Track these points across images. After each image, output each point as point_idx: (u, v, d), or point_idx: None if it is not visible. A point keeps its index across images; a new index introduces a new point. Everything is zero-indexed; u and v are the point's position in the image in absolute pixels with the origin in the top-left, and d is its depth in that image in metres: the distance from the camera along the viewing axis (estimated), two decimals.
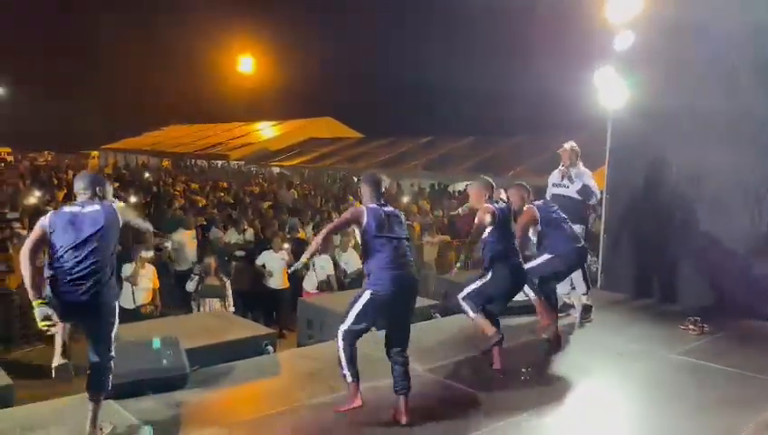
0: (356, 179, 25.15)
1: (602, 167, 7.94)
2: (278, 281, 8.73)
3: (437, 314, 6.35)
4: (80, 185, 3.56)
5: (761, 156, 6.38)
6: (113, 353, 3.53)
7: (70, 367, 3.43)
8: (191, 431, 3.69)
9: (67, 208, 3.44)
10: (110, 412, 3.79)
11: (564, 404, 4.25)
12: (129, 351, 4.18)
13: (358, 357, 3.87)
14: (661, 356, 5.23)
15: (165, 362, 4.18)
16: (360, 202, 4.14)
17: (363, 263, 3.95)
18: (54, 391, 4.20)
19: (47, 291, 3.29)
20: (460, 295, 4.62)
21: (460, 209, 4.86)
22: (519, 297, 5.08)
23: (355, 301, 3.82)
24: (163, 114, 52.71)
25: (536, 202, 5.43)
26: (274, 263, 8.68)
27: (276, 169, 30.38)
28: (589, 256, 6.27)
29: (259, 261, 8.79)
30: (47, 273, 3.33)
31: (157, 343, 4.22)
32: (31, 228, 8.93)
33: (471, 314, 4.57)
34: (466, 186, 20.67)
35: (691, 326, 5.78)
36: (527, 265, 5.12)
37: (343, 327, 3.81)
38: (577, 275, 5.89)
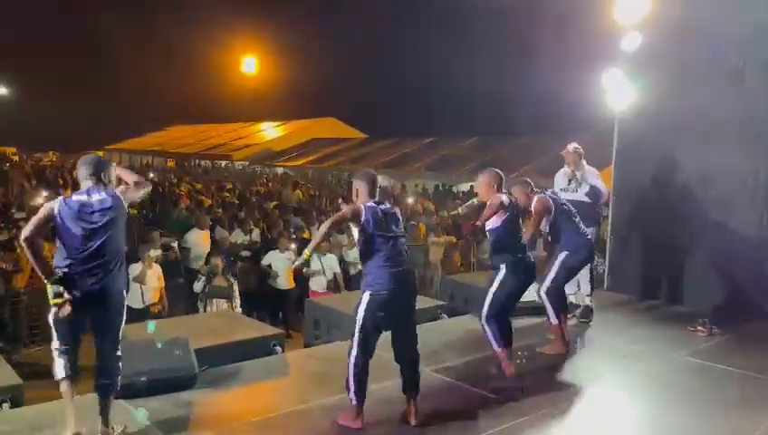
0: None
1: (608, 167, 7.93)
2: (284, 281, 8.75)
3: (444, 315, 6.34)
4: (84, 171, 3.49)
5: (767, 156, 6.37)
6: (120, 353, 3.51)
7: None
8: (200, 432, 3.70)
9: (75, 197, 3.38)
10: (119, 412, 3.80)
11: (572, 405, 4.25)
12: (138, 351, 4.19)
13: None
14: (670, 357, 5.21)
15: (173, 361, 4.18)
16: (348, 201, 4.08)
17: (361, 262, 3.90)
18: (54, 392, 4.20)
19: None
20: (482, 318, 4.46)
21: (460, 209, 4.76)
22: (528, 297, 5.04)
23: (357, 306, 3.76)
24: (167, 115, 52.76)
25: (546, 192, 5.33)
26: (280, 263, 8.69)
27: (280, 170, 30.41)
28: (596, 257, 6.26)
29: (265, 261, 8.80)
30: (59, 264, 3.31)
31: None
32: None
33: (495, 347, 4.43)
34: (471, 186, 20.72)
35: (699, 328, 5.77)
36: (548, 277, 5.12)
37: (355, 343, 3.71)
38: (584, 275, 5.88)
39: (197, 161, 35.99)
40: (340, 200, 14.49)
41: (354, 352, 3.70)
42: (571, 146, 6.22)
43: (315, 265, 8.35)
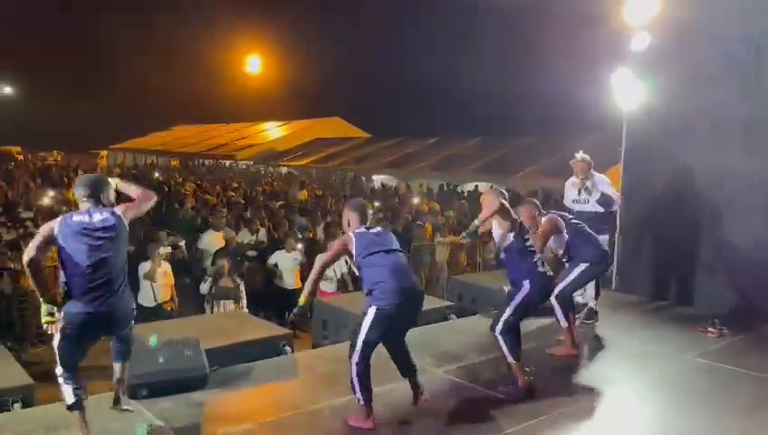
0: (364, 179, 25.20)
1: (614, 166, 7.91)
2: (290, 281, 8.72)
3: (453, 316, 6.32)
4: (81, 191, 3.42)
5: None
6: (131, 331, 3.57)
7: None
8: (213, 432, 3.70)
9: (76, 218, 3.31)
10: (130, 412, 3.80)
11: (584, 406, 4.23)
12: (149, 351, 4.18)
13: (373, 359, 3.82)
14: (680, 358, 5.20)
15: (185, 362, 4.18)
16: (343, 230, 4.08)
17: (365, 284, 3.80)
18: None
19: (66, 307, 3.23)
20: (497, 330, 4.34)
21: (463, 235, 4.59)
22: None
23: (361, 320, 3.74)
24: (170, 114, 52.94)
25: (553, 212, 5.32)
26: (287, 263, 8.68)
27: (284, 169, 30.44)
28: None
29: (271, 260, 8.78)
30: (63, 287, 3.26)
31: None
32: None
33: (510, 359, 4.35)
34: (476, 186, 20.62)
35: (710, 329, 5.74)
36: (564, 282, 5.10)
37: (357, 345, 3.70)
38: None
39: (201, 161, 36.03)
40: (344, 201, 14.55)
41: (356, 359, 3.70)
42: (579, 154, 6.17)
43: None
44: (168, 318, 6.59)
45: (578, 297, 6.16)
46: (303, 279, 8.74)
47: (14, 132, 48.10)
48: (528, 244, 4.41)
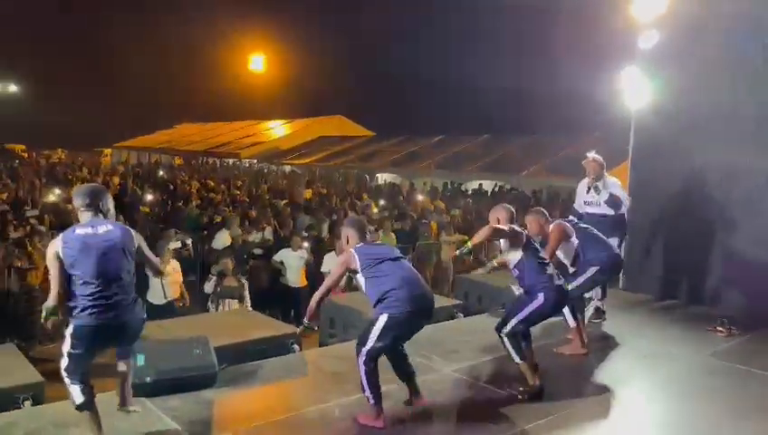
0: (368, 178, 25.20)
1: (620, 164, 7.88)
2: (296, 279, 8.73)
3: (460, 314, 6.32)
4: (80, 201, 3.35)
5: None
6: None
7: None
8: (223, 431, 3.70)
9: (79, 231, 3.25)
10: (140, 409, 3.80)
11: (594, 406, 4.22)
12: (159, 350, 4.19)
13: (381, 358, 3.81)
14: (690, 358, 5.18)
15: (194, 360, 4.18)
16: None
17: (372, 297, 3.76)
18: None
19: (74, 322, 3.20)
20: (504, 331, 4.28)
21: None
22: None
23: (371, 324, 3.71)
24: (174, 113, 53.05)
25: (558, 220, 5.28)
26: (293, 261, 8.68)
27: (288, 168, 30.45)
28: None
29: (277, 257, 8.79)
30: (71, 303, 3.21)
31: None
32: (51, 226, 8.98)
33: (516, 359, 4.30)
34: (480, 184, 20.57)
35: (719, 328, 5.72)
36: (573, 284, 5.03)
37: (365, 349, 3.68)
38: None
39: (205, 159, 36.06)
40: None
41: (363, 358, 3.69)
42: (591, 154, 6.11)
43: (334, 264, 8.32)
44: (178, 315, 6.59)
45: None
46: (309, 278, 8.80)
47: (18, 131, 48.33)
48: (540, 258, 4.33)
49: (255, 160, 33.53)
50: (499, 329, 4.31)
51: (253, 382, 4.39)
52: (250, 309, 7.32)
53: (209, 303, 7.27)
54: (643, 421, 4.11)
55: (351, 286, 8.40)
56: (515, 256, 4.32)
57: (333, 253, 8.50)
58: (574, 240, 5.20)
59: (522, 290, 4.39)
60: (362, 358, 3.68)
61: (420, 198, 15.65)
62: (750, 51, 6.49)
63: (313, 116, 39.73)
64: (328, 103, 43.93)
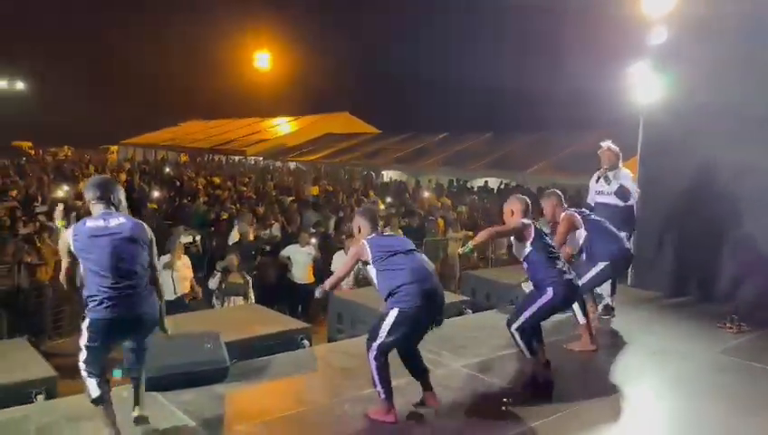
0: (374, 175, 25.21)
1: (626, 161, 7.85)
2: (303, 275, 8.76)
3: (469, 310, 6.32)
4: (92, 193, 3.35)
5: None
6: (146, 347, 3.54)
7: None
8: (235, 425, 3.71)
9: (90, 223, 3.25)
10: (153, 404, 3.83)
11: (602, 403, 4.21)
12: (170, 344, 4.19)
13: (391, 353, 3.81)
14: (699, 355, 5.17)
15: (206, 354, 4.20)
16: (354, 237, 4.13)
17: (383, 290, 3.76)
18: None
19: (90, 315, 3.19)
20: (514, 326, 4.27)
21: (463, 251, 4.51)
22: None
23: (381, 319, 3.70)
24: (180, 110, 53.14)
25: (571, 210, 5.26)
26: (300, 257, 8.71)
27: (293, 165, 30.48)
28: None
29: (284, 253, 8.81)
30: (87, 296, 3.21)
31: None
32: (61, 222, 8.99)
33: (527, 354, 4.30)
34: (486, 181, 20.53)
35: (728, 324, 5.71)
36: (582, 280, 4.97)
37: (375, 343, 3.68)
38: None
39: (211, 156, 36.13)
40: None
41: (373, 353, 3.68)
42: (606, 144, 6.10)
43: (343, 261, 8.34)
44: (188, 310, 6.61)
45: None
46: (316, 274, 8.82)
47: (25, 128, 48.51)
48: (550, 252, 4.31)
49: (261, 158, 33.57)
50: (510, 324, 4.31)
51: (263, 377, 4.40)
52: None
53: (214, 299, 7.29)
54: (652, 418, 4.10)
55: (359, 282, 8.44)
56: (524, 250, 4.33)
57: (342, 251, 8.52)
58: (581, 232, 5.18)
59: (533, 284, 4.38)
60: (373, 353, 3.68)
61: (426, 194, 15.65)
62: (760, 48, 6.46)
63: (319, 113, 39.75)
64: (333, 100, 43.94)
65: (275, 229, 10.00)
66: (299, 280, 8.76)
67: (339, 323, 6.32)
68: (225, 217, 11.01)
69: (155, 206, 12.61)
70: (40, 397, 3.92)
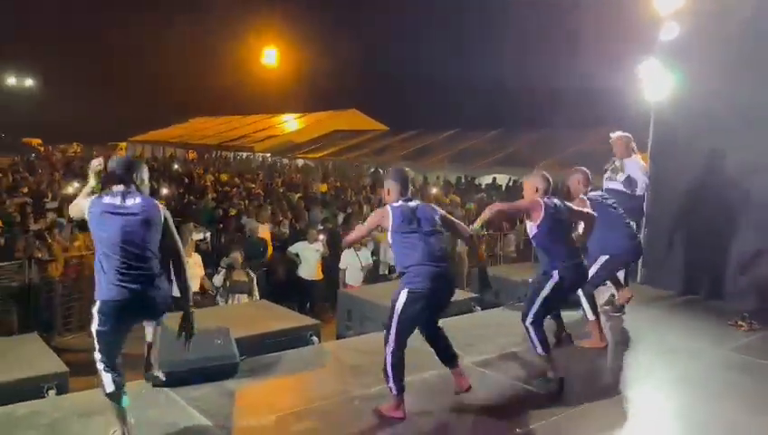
0: (382, 172, 25.19)
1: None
2: (312, 272, 8.77)
3: (477, 308, 6.31)
4: (115, 173, 3.36)
5: None
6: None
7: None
8: (245, 420, 3.73)
9: (107, 199, 3.25)
10: (164, 400, 3.85)
11: (615, 400, 4.20)
12: (181, 340, 4.21)
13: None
14: (711, 353, 5.14)
15: (216, 350, 4.21)
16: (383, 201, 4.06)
17: (397, 262, 3.83)
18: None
19: (99, 297, 3.18)
20: (528, 320, 4.25)
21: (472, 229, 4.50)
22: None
23: (393, 305, 3.71)
24: (188, 107, 53.24)
25: (591, 193, 5.19)
26: (309, 253, 8.72)
27: (300, 162, 30.51)
28: None
29: (293, 249, 8.82)
30: (97, 278, 3.20)
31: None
32: (70, 218, 9.04)
33: (539, 349, 4.28)
34: (494, 178, 20.31)
35: (740, 323, 5.67)
36: (591, 271, 4.92)
37: (390, 337, 3.69)
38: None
39: (219, 153, 36.22)
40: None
41: (391, 347, 3.69)
42: (616, 134, 6.12)
43: (352, 258, 8.37)
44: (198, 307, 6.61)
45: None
46: (325, 271, 8.83)
47: (35, 125, 48.82)
48: (557, 232, 4.28)
49: (269, 154, 33.61)
50: (524, 319, 4.31)
51: (273, 374, 4.42)
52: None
53: (218, 296, 7.24)
54: (661, 416, 4.08)
55: (368, 279, 8.45)
56: (532, 230, 4.33)
57: (351, 250, 8.52)
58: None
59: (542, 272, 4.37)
60: (390, 345, 3.68)
61: (434, 191, 15.62)
62: None
63: (327, 110, 39.74)
64: (342, 97, 43.89)
65: (284, 226, 10.01)
66: (307, 277, 8.77)
67: (348, 320, 6.32)
68: (233, 213, 11.05)
69: (164, 203, 12.65)
70: (51, 392, 3.95)
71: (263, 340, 4.83)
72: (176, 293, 3.43)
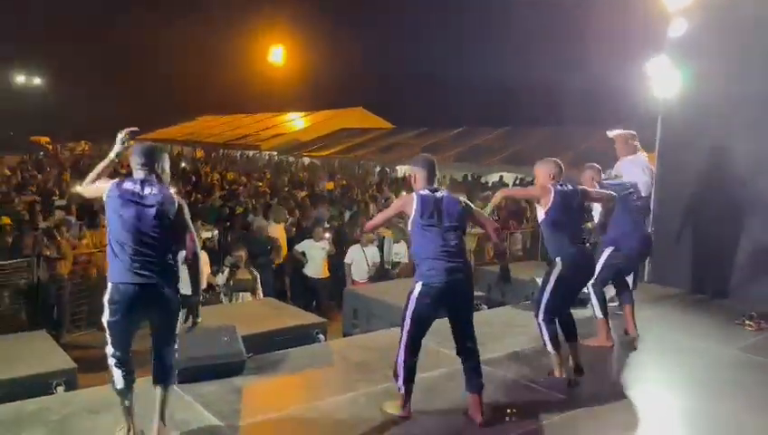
0: (389, 171, 25.17)
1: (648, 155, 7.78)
2: (318, 270, 8.78)
3: (484, 306, 6.31)
4: (136, 160, 3.33)
5: None
6: (177, 347, 3.42)
7: None
8: (251, 417, 3.74)
9: (127, 185, 3.24)
10: (171, 397, 3.86)
11: (618, 399, 4.18)
12: (188, 338, 4.23)
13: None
14: (717, 352, 5.12)
15: (223, 347, 4.23)
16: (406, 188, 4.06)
17: (414, 254, 3.81)
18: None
19: (109, 285, 3.18)
20: (540, 317, 4.27)
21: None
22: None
23: (408, 298, 3.68)
24: (196, 105, 53.37)
25: (607, 182, 5.16)
26: (315, 252, 8.73)
27: (307, 160, 30.54)
28: None
29: (299, 247, 8.84)
30: (109, 266, 3.22)
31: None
32: (78, 216, 9.08)
33: (549, 346, 4.29)
34: (501, 176, 20.26)
35: (747, 322, 5.64)
36: (596, 269, 4.91)
37: (404, 330, 3.66)
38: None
39: (225, 151, 36.30)
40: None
41: (404, 342, 3.67)
42: (614, 131, 6.03)
43: (358, 254, 8.37)
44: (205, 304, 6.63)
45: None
46: (331, 269, 8.84)
47: (42, 123, 49.07)
48: (564, 220, 4.26)
49: (275, 153, 33.66)
50: (536, 313, 4.31)
51: (280, 371, 4.43)
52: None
53: (222, 295, 7.24)
54: (668, 416, 4.07)
55: (373, 276, 8.46)
56: (539, 217, 4.34)
57: (357, 245, 8.54)
58: (597, 206, 5.12)
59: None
60: (403, 341, 3.66)
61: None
62: None
63: (334, 108, 39.73)
64: (348, 95, 43.85)
65: (290, 224, 10.03)
66: (313, 275, 8.79)
67: (354, 317, 6.34)
68: (239, 210, 11.07)
69: None
70: (60, 388, 3.98)
71: (269, 337, 4.85)
72: (183, 290, 3.42)
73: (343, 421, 3.75)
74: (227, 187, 15.62)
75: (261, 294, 7.28)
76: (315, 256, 8.73)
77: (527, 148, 23.53)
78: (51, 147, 40.12)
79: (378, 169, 25.60)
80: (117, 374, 3.23)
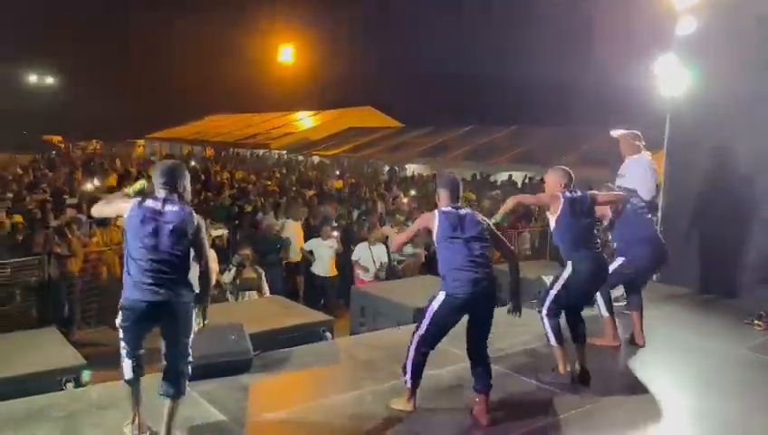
0: (397, 169, 25.19)
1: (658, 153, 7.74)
2: (326, 268, 8.81)
3: None
4: (159, 178, 3.37)
5: None
6: (190, 358, 3.41)
7: None
8: (258, 414, 3.77)
9: (149, 203, 3.30)
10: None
11: (625, 398, 4.20)
12: (196, 336, 4.26)
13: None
14: (726, 352, 5.10)
15: (230, 345, 4.26)
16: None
17: (440, 267, 3.83)
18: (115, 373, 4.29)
19: (123, 295, 3.24)
20: (543, 311, 4.35)
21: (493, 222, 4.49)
22: None
23: (429, 304, 3.74)
24: (205, 104, 53.59)
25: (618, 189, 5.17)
26: (323, 250, 8.76)
27: (316, 159, 30.59)
28: None
29: (307, 247, 8.87)
30: (124, 276, 3.27)
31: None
32: (89, 214, 9.15)
33: (552, 340, 4.32)
34: (510, 175, 20.14)
35: (756, 321, 5.61)
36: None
37: (419, 332, 3.71)
38: None
39: (235, 150, 36.44)
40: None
41: (416, 343, 3.71)
42: (618, 131, 5.91)
43: (364, 252, 8.38)
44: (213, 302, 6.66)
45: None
46: (339, 267, 8.87)
47: (55, 122, 49.50)
48: (574, 226, 4.29)
49: (285, 151, 33.74)
50: (540, 308, 4.35)
51: (287, 369, 4.46)
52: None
53: (228, 293, 7.27)
54: (676, 415, 4.06)
55: (380, 277, 8.46)
56: (551, 223, 4.38)
57: (365, 243, 8.55)
58: (608, 213, 5.12)
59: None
60: (415, 340, 3.71)
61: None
62: None
63: (343, 107, 39.76)
64: (357, 94, 43.90)
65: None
66: (321, 273, 8.82)
67: (361, 316, 6.35)
68: (248, 209, 11.12)
69: None
70: (69, 385, 4.02)
71: (276, 335, 4.88)
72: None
73: (349, 419, 3.77)
74: (237, 185, 15.67)
75: (267, 292, 7.31)
76: (323, 255, 8.76)
77: (536, 146, 23.46)
78: (63, 146, 40.43)
79: (386, 167, 25.60)
80: (126, 365, 3.31)
